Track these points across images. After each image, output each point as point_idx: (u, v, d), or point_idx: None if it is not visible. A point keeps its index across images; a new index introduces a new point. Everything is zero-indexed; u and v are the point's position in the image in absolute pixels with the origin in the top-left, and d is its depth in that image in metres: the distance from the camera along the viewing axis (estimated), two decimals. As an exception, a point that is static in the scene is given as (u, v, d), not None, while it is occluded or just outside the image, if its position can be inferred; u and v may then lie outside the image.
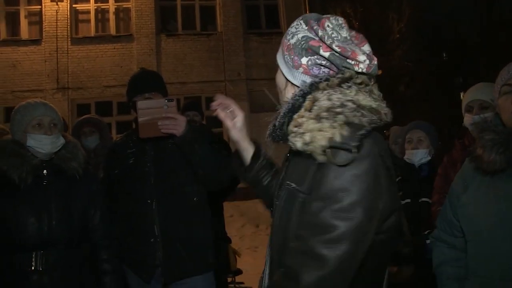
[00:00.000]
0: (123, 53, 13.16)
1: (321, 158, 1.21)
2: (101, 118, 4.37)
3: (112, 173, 2.79)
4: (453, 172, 2.79)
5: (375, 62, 1.32)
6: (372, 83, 1.35)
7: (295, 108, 1.33)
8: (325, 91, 1.29)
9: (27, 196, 2.27)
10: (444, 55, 26.98)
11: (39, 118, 2.34)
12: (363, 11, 18.63)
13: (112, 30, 13.52)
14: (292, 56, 1.38)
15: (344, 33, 1.37)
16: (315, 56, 1.35)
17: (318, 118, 1.24)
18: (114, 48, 13.16)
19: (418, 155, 3.30)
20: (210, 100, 9.88)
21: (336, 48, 1.30)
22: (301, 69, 1.37)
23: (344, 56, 1.30)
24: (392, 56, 18.06)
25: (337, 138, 1.19)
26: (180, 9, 13.94)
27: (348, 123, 1.21)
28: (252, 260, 6.38)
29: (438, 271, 2.00)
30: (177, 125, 2.48)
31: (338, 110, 1.23)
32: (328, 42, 1.31)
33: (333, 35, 1.33)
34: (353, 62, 1.30)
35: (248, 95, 13.60)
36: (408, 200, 3.21)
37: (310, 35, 1.36)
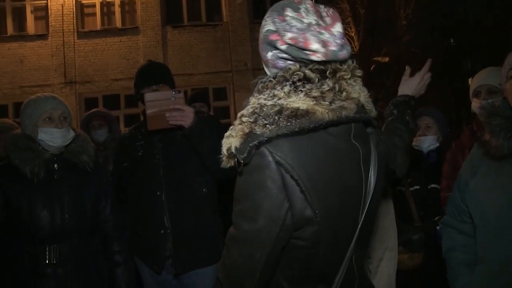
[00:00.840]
0: (129, 46, 13.15)
1: (227, 164, 1.28)
2: (109, 111, 4.39)
3: (121, 166, 2.81)
4: (462, 158, 2.79)
5: (333, 48, 1.27)
6: (327, 72, 1.31)
7: None
8: (259, 94, 1.32)
9: (39, 190, 2.30)
10: (452, 41, 26.70)
11: (50, 112, 2.35)
12: (369, -2, 18.46)
13: (118, 23, 13.50)
14: (261, 52, 1.39)
15: (309, 18, 1.32)
16: (277, 51, 1.34)
17: (232, 125, 1.28)
18: (120, 41, 13.16)
19: (427, 142, 3.29)
20: (217, 91, 9.91)
21: (289, 41, 1.28)
22: (270, 64, 1.38)
23: (299, 48, 1.28)
24: (399, 43, 17.90)
25: (232, 149, 1.24)
26: (185, 0, 13.89)
27: (245, 134, 1.24)
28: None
29: (448, 257, 2.00)
30: (185, 116, 2.48)
31: (244, 119, 1.26)
32: (282, 35, 1.30)
33: (292, 24, 1.30)
34: (309, 52, 1.28)
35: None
36: (417, 187, 3.21)
37: (272, 28, 1.34)
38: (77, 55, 12.94)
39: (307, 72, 1.29)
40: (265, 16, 1.40)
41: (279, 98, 1.27)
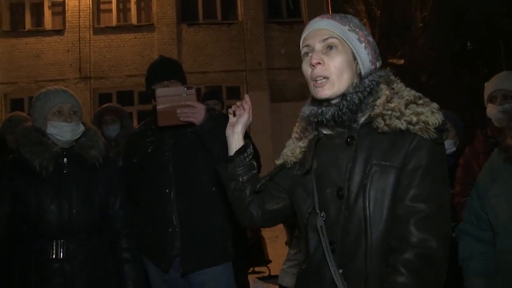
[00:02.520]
0: (144, 43, 13.21)
1: (428, 135, 1.37)
2: (121, 106, 4.38)
3: (131, 162, 2.78)
4: (476, 163, 2.73)
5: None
6: None
7: (370, 95, 1.46)
8: (394, 84, 1.48)
9: (48, 184, 2.28)
10: (468, 44, 26.42)
11: (59, 105, 2.33)
12: (386, 0, 18.33)
13: (134, 20, 13.57)
14: (372, 53, 1.51)
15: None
16: (379, 62, 1.56)
17: (417, 103, 1.40)
18: (136, 38, 13.22)
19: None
20: (230, 89, 9.91)
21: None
22: (372, 66, 1.52)
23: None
24: (415, 45, 17.76)
25: (440, 121, 1.38)
26: (201, -2, 13.91)
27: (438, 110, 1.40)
28: (272, 250, 6.38)
29: (465, 265, 1.93)
30: (196, 113, 2.45)
31: (426, 99, 1.43)
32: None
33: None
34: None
35: (269, 85, 13.53)
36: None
37: (375, 42, 1.55)
38: (92, 51, 13.03)
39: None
40: (361, 23, 1.56)
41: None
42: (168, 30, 13.28)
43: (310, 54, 1.50)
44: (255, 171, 1.73)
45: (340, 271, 1.40)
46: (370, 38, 1.52)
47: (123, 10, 13.80)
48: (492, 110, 2.69)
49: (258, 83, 13.44)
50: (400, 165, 1.38)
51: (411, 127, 1.36)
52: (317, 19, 1.53)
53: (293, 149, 1.62)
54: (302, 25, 13.82)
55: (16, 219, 2.27)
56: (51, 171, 2.28)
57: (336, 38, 1.46)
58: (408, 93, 1.43)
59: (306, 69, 1.50)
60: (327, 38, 1.47)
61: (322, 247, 1.43)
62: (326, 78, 1.46)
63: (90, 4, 13.10)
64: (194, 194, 2.59)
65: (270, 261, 5.55)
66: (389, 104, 1.40)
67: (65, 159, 2.35)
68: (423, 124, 1.36)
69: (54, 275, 2.22)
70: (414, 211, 1.34)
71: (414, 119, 1.36)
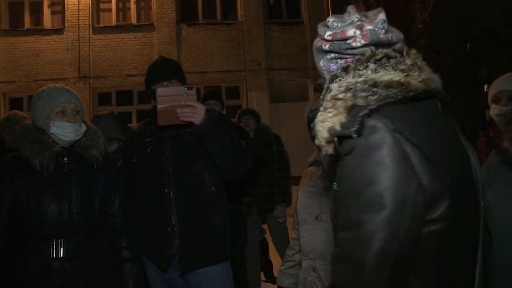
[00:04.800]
0: (144, 42, 13.21)
1: (328, 150, 1.17)
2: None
3: (130, 162, 2.78)
4: None
5: (369, 27, 1.24)
6: (403, 51, 1.27)
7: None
8: (340, 80, 1.24)
9: (48, 183, 2.27)
10: (468, 46, 26.46)
11: (63, 105, 2.31)
12: (385, 0, 18.36)
13: (133, 19, 13.57)
14: (316, 65, 1.38)
15: (352, 17, 1.31)
16: (324, 54, 1.34)
17: (324, 109, 1.19)
18: (135, 37, 13.23)
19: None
20: (229, 90, 9.91)
21: (329, 37, 1.28)
22: (325, 72, 1.35)
23: (339, 40, 1.27)
24: (415, 47, 17.78)
25: (337, 127, 1.13)
26: (201, -2, 13.92)
27: (348, 108, 1.14)
28: (271, 251, 6.38)
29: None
30: (196, 113, 2.45)
31: (340, 96, 1.18)
32: (323, 36, 1.31)
33: (333, 26, 1.31)
34: (349, 41, 1.26)
35: (268, 85, 13.54)
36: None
37: (317, 37, 1.35)
38: (91, 50, 13.03)
39: (388, 51, 1.25)
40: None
41: (367, 75, 1.20)
42: (168, 30, 13.28)
43: None
44: None
45: None
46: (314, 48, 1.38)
47: (122, 9, 13.79)
48: (495, 111, 2.70)
49: (257, 83, 13.44)
50: (337, 187, 1.22)
51: (316, 142, 1.21)
52: None
53: None
54: (301, 25, 13.85)
55: (17, 218, 2.26)
56: (52, 170, 2.27)
57: None
58: (334, 91, 1.23)
59: None
60: None
61: None
62: None
63: (90, 3, 13.10)
64: (193, 194, 2.60)
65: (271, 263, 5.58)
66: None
67: (65, 158, 2.34)
68: (318, 138, 1.19)
69: (54, 274, 2.21)
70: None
71: (315, 131, 1.20)
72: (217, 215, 2.64)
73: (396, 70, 1.21)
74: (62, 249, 2.23)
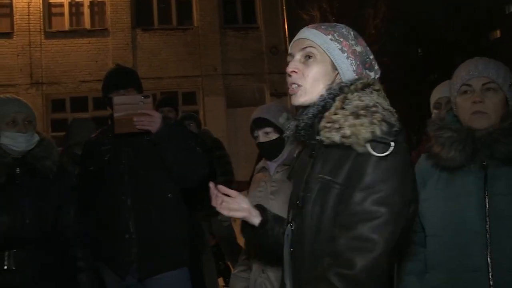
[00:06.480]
0: (98, 48, 13.00)
1: (361, 149, 1.34)
2: None
3: (87, 170, 2.78)
4: None
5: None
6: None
7: (325, 108, 1.45)
8: (355, 93, 1.43)
9: (0, 194, 2.26)
10: (419, 51, 27.34)
11: (13, 115, 2.31)
12: (339, 6, 18.78)
13: (87, 24, 13.32)
14: (358, 63, 1.50)
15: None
16: (373, 72, 1.54)
17: (356, 115, 1.36)
18: (89, 43, 12.99)
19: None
20: (186, 95, 9.84)
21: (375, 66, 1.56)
22: (357, 76, 1.50)
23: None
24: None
25: (378, 133, 1.33)
26: (156, 3, 13.81)
27: (384, 121, 1.35)
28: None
29: (397, 267, 2.04)
30: (153, 121, 2.49)
31: (374, 109, 1.38)
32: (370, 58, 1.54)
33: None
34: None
35: (225, 90, 13.61)
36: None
37: (367, 51, 1.53)
38: (44, 56, 12.69)
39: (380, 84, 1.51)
40: (349, 32, 1.54)
41: (376, 99, 1.43)
42: (123, 35, 13.13)
43: (289, 63, 1.55)
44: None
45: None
46: (359, 48, 1.51)
47: (75, 14, 13.53)
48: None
49: (213, 88, 13.49)
50: (344, 181, 1.38)
51: (344, 140, 1.36)
52: (304, 28, 1.57)
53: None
54: (257, 31, 13.98)
55: None
56: (3, 181, 2.27)
57: (315, 48, 1.49)
58: (358, 103, 1.40)
59: (287, 77, 1.55)
60: (306, 47, 1.51)
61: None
62: (299, 85, 1.50)
63: (41, 7, 12.77)
64: (150, 201, 2.63)
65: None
66: (333, 116, 1.40)
67: (17, 169, 2.33)
68: (355, 137, 1.34)
69: (7, 286, 2.21)
70: (347, 231, 1.34)
71: (348, 132, 1.35)
72: (176, 221, 2.67)
73: (386, 102, 1.47)
74: (14, 260, 2.23)
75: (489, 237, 1.74)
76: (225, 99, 13.52)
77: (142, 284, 2.64)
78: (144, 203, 2.62)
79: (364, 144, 1.33)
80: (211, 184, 1.64)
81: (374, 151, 1.33)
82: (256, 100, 13.61)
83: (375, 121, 1.34)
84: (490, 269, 1.72)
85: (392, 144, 1.33)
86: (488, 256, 1.73)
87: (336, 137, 1.37)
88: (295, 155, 1.69)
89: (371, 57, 1.54)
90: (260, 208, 1.70)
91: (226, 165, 5.15)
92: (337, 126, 1.37)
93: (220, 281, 5.47)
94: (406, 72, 22.08)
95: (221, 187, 1.65)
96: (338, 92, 1.46)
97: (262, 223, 1.65)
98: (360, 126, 1.34)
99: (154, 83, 12.53)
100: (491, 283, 1.72)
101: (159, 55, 13.33)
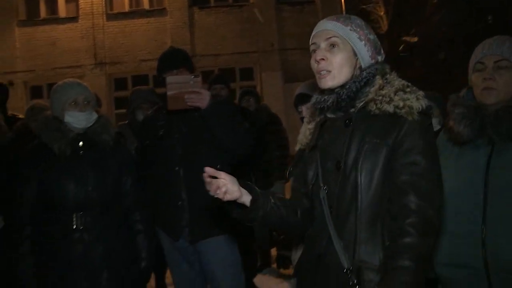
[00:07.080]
0: (156, 27, 13.32)
1: (413, 118, 1.59)
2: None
3: (143, 144, 3.09)
4: None
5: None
6: None
7: (367, 84, 1.68)
8: (388, 75, 1.71)
9: (66, 165, 2.57)
10: (489, 18, 25.95)
11: (75, 97, 2.60)
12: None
13: (146, 5, 13.67)
14: (372, 49, 1.73)
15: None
16: (380, 56, 1.77)
17: (404, 91, 1.63)
18: (148, 23, 13.33)
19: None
20: (243, 71, 9.93)
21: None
22: (373, 61, 1.74)
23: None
24: (429, 22, 17.59)
25: (424, 106, 1.61)
26: (212, -19, 13.93)
27: (425, 97, 1.64)
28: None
29: None
30: (202, 98, 2.71)
31: (414, 88, 1.66)
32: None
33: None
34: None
35: (282, 65, 13.59)
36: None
37: (376, 39, 1.76)
38: (106, 37, 13.20)
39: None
40: (363, 23, 1.78)
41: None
42: (180, 13, 13.37)
43: (316, 51, 1.74)
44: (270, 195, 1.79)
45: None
46: (371, 36, 1.74)
47: (135, -5, 13.92)
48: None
49: (270, 64, 13.52)
50: (392, 144, 1.60)
51: (398, 110, 1.60)
52: (323, 20, 1.77)
53: (304, 131, 1.89)
54: (313, 5, 13.80)
55: (42, 197, 2.57)
56: (69, 154, 2.57)
57: (338, 37, 1.70)
58: (398, 82, 1.67)
59: (313, 63, 1.75)
60: (330, 37, 1.71)
61: (324, 213, 1.71)
62: (328, 71, 1.70)
63: (102, -10, 13.25)
64: (200, 171, 2.80)
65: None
66: (381, 91, 1.65)
67: (80, 143, 2.63)
68: (408, 108, 1.59)
69: (76, 244, 2.53)
70: (412, 184, 1.55)
71: (401, 104, 1.60)
72: None
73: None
74: (81, 221, 2.53)
75: (488, 209, 1.85)
76: (282, 74, 13.50)
77: (194, 247, 2.89)
78: (194, 173, 2.78)
79: (416, 114, 1.59)
80: (207, 169, 1.69)
81: (422, 119, 1.60)
82: (313, 75, 13.51)
83: (419, 96, 1.62)
84: (484, 235, 1.84)
85: (432, 116, 1.66)
86: (483, 226, 1.84)
87: (389, 107, 1.61)
88: (310, 126, 1.86)
89: (379, 43, 1.78)
90: (245, 185, 1.71)
91: (281, 139, 5.29)
92: (387, 99, 1.62)
93: (273, 251, 5.65)
94: (469, 43, 21.12)
95: (208, 169, 1.68)
96: (375, 72, 1.71)
97: (254, 200, 1.68)
98: (412, 99, 1.61)
99: (212, 60, 12.77)
100: (486, 251, 1.83)
101: (216, 33, 13.44)
